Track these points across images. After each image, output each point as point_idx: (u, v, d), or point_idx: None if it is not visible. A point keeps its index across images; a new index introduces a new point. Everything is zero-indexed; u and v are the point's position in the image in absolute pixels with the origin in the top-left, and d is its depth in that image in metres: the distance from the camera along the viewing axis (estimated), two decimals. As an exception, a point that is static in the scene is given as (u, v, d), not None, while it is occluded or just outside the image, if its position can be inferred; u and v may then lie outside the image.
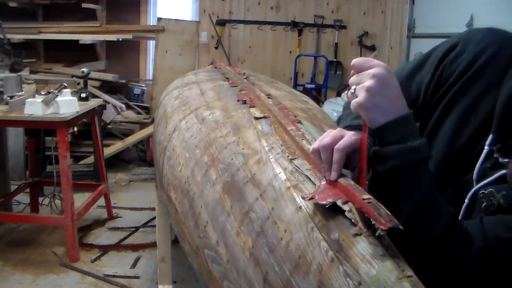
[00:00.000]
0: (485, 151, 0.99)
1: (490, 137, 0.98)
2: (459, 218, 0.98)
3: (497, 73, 0.99)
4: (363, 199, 0.78)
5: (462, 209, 0.99)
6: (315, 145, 0.95)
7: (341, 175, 0.91)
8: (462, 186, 1.02)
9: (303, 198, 0.93)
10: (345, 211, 0.80)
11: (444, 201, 0.96)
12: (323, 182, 0.93)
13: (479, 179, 0.98)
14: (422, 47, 5.20)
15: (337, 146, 0.91)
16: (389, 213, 0.73)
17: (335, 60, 6.34)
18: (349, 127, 1.06)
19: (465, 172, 1.02)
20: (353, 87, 0.90)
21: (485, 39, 1.02)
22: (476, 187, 0.97)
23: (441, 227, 0.90)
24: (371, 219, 0.74)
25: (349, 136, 0.93)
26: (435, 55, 1.09)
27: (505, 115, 0.93)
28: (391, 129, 0.89)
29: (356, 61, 0.91)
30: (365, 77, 0.88)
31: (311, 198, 0.89)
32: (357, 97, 0.89)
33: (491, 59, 1.00)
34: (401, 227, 0.71)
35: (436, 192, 0.93)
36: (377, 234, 0.73)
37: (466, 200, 0.98)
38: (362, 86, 0.88)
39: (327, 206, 0.83)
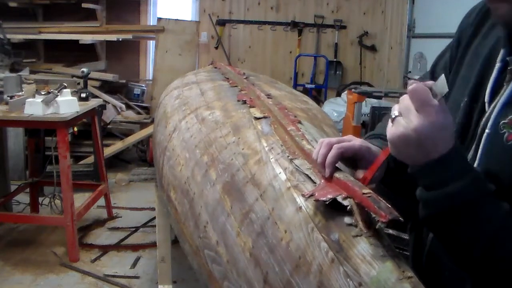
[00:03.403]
0: (497, 66, 0.89)
1: (501, 52, 0.89)
2: (480, 151, 0.86)
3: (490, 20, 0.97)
4: (363, 193, 0.77)
5: (483, 139, 0.86)
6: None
7: (334, 170, 0.90)
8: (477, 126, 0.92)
9: (303, 196, 0.92)
10: (346, 206, 0.79)
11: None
12: (323, 180, 0.93)
13: (491, 99, 0.88)
14: (422, 47, 5.20)
15: (336, 144, 0.90)
16: (389, 206, 0.73)
17: (335, 60, 6.35)
18: (372, 136, 1.05)
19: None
20: (396, 113, 0.79)
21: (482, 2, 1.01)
22: (495, 112, 0.85)
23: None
24: (371, 213, 0.73)
25: (354, 141, 0.92)
26: (457, 30, 1.07)
27: None
28: (423, 174, 0.79)
29: (413, 89, 0.76)
30: (409, 120, 0.76)
31: (311, 195, 0.88)
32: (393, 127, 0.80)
33: (486, 10, 0.99)
34: (401, 219, 0.70)
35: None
36: (377, 227, 0.72)
37: (487, 130, 0.85)
38: (398, 126, 0.78)
39: (327, 203, 0.83)
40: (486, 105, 0.89)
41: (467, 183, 0.77)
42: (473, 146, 0.89)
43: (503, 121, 0.83)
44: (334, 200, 0.82)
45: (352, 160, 0.94)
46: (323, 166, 0.91)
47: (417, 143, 0.77)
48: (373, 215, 0.73)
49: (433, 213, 0.79)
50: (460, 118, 0.94)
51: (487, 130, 0.86)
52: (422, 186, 0.81)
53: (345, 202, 0.80)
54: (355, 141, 0.93)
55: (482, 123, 0.88)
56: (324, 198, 0.83)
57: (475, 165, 0.87)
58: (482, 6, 1.01)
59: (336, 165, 0.92)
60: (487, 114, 0.88)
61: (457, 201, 0.77)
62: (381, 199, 0.75)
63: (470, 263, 0.80)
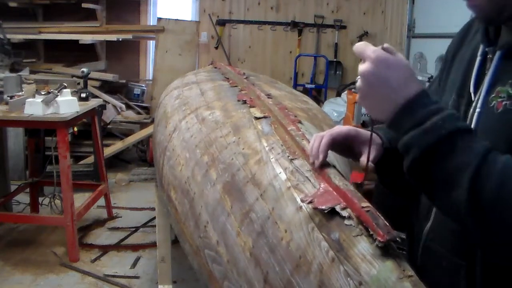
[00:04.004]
0: (477, 60, 0.93)
1: (481, 47, 0.94)
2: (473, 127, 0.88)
3: (476, 32, 1.02)
4: (362, 207, 0.78)
5: (475, 118, 0.88)
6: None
7: (325, 160, 0.95)
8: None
9: (302, 201, 0.93)
10: (344, 217, 0.80)
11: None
12: (323, 185, 0.93)
13: (476, 90, 0.91)
14: (422, 47, 5.20)
15: (326, 133, 0.96)
16: (387, 224, 0.74)
17: (335, 60, 6.34)
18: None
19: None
20: (357, 77, 0.85)
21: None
22: (483, 94, 0.88)
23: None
24: (369, 230, 0.74)
25: (342, 126, 0.99)
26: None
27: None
28: (398, 122, 0.81)
29: (355, 48, 0.84)
30: (359, 73, 0.83)
31: (310, 202, 0.89)
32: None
33: (470, 25, 1.05)
34: (399, 240, 0.71)
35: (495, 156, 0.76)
36: (375, 245, 0.73)
37: (478, 109, 0.88)
38: (356, 83, 0.85)
39: (325, 211, 0.83)
40: (472, 95, 0.92)
41: (440, 119, 0.78)
42: None
43: (491, 96, 0.86)
44: (332, 209, 0.83)
45: (346, 147, 0.99)
46: (317, 157, 0.96)
47: (371, 88, 0.81)
48: (371, 232, 0.74)
49: (417, 156, 0.79)
50: None
51: (477, 110, 0.88)
52: (401, 136, 0.82)
53: (344, 213, 0.81)
54: (342, 127, 0.99)
55: (471, 110, 0.91)
56: (323, 207, 0.84)
57: None
58: (466, 25, 1.07)
59: (337, 164, 0.93)
60: (475, 101, 0.91)
61: (434, 135, 0.77)
62: (379, 215, 0.76)
63: (458, 210, 0.77)
